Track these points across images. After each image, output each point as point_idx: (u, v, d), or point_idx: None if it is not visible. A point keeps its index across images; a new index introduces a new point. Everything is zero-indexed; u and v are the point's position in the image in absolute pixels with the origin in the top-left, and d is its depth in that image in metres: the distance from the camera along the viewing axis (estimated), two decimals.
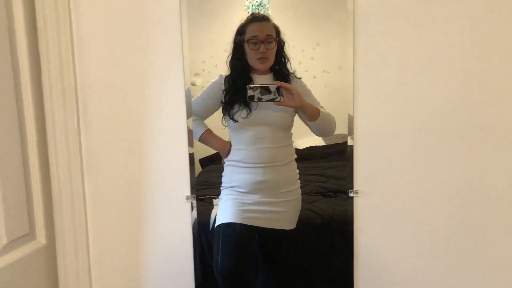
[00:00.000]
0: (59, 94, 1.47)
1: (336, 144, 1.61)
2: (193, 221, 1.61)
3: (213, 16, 1.60)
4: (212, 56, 1.60)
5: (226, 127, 1.57)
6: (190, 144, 1.58)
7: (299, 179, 1.60)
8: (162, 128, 1.58)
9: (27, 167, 1.39)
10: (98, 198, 1.62)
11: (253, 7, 1.56)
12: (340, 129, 1.55)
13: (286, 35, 1.53)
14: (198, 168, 1.61)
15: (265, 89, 1.43)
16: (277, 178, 1.54)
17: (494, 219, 1.55)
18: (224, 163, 1.60)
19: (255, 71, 1.54)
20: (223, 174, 1.61)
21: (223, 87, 1.55)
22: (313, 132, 1.54)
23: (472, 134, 1.52)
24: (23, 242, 1.38)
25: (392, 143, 1.55)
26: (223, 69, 1.55)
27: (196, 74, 1.57)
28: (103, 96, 1.56)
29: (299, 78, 1.56)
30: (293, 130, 1.57)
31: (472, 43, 1.48)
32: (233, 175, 1.57)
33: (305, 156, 1.63)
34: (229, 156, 1.58)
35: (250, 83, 1.51)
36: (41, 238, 1.47)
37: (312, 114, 1.49)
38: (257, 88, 1.43)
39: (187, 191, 1.60)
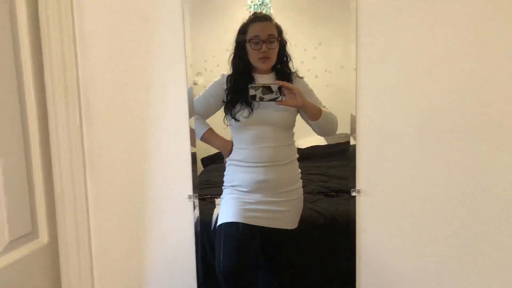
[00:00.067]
0: (62, 93, 1.47)
1: (338, 144, 1.61)
2: (195, 220, 1.61)
3: (215, 15, 1.60)
4: (214, 56, 1.60)
5: (228, 126, 1.57)
6: (192, 143, 1.58)
7: (301, 178, 1.60)
8: (164, 128, 1.58)
9: (29, 166, 1.39)
10: (100, 197, 1.62)
11: (255, 6, 1.56)
12: (342, 128, 1.55)
13: (288, 34, 1.53)
14: (200, 168, 1.61)
15: (267, 89, 1.43)
16: (279, 177, 1.54)
17: (496, 218, 1.55)
18: (226, 162, 1.61)
19: (257, 70, 1.54)
20: (225, 173, 1.61)
21: (225, 86, 1.55)
22: (315, 132, 1.54)
23: (475, 134, 1.51)
24: (26, 241, 1.39)
25: (394, 142, 1.54)
26: (225, 69, 1.56)
27: (198, 74, 1.57)
28: (105, 95, 1.57)
29: (301, 78, 1.56)
30: (295, 130, 1.57)
31: (475, 42, 1.47)
32: (235, 174, 1.57)
33: (307, 155, 1.63)
34: (231, 156, 1.58)
35: (252, 83, 1.51)
36: (44, 236, 1.47)
37: (314, 114, 1.49)
38: (259, 87, 1.43)
39: (189, 190, 1.60)
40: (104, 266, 1.66)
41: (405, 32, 1.49)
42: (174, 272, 1.65)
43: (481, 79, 1.49)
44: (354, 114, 1.53)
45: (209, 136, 1.59)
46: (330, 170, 1.70)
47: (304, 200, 1.61)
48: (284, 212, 1.56)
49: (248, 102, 1.50)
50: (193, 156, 1.59)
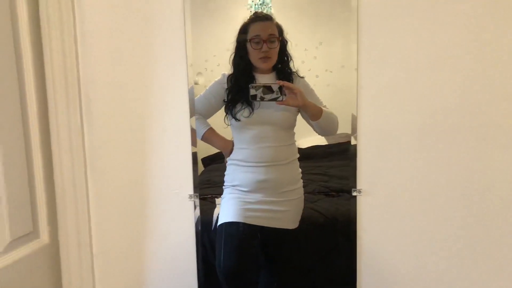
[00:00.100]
0: (63, 93, 1.47)
1: (339, 144, 1.61)
2: (196, 220, 1.61)
3: (216, 15, 1.60)
4: (214, 55, 1.60)
5: (229, 126, 1.57)
6: (193, 143, 1.58)
7: (301, 178, 1.60)
8: (165, 127, 1.58)
9: (30, 166, 1.40)
10: (101, 197, 1.62)
11: (256, 6, 1.56)
12: (343, 128, 1.55)
13: (288, 34, 1.53)
14: (200, 167, 1.62)
15: (268, 88, 1.43)
16: (280, 177, 1.54)
17: (497, 218, 1.55)
18: (226, 162, 1.61)
19: (258, 70, 1.54)
20: (225, 173, 1.61)
21: (225, 86, 1.55)
22: (316, 131, 1.54)
23: (476, 134, 1.51)
24: (27, 241, 1.39)
25: (395, 142, 1.54)
26: (226, 68, 1.56)
27: (199, 73, 1.57)
28: (106, 95, 1.57)
29: (302, 77, 1.56)
30: (295, 129, 1.57)
31: (476, 42, 1.47)
32: (235, 174, 1.57)
33: (307, 155, 1.63)
34: (231, 155, 1.58)
35: (252, 82, 1.51)
36: (45, 236, 1.47)
37: (314, 113, 1.49)
38: (259, 87, 1.43)
39: (190, 190, 1.60)
40: (105, 266, 1.66)
41: (406, 32, 1.49)
42: (175, 271, 1.65)
43: (482, 79, 1.48)
44: (355, 114, 1.53)
45: (210, 135, 1.59)
46: (331, 170, 1.70)
47: (305, 200, 1.61)
48: (284, 212, 1.56)
49: (249, 101, 1.50)
50: (194, 155, 1.59)
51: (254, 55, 1.51)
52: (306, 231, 1.61)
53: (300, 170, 1.60)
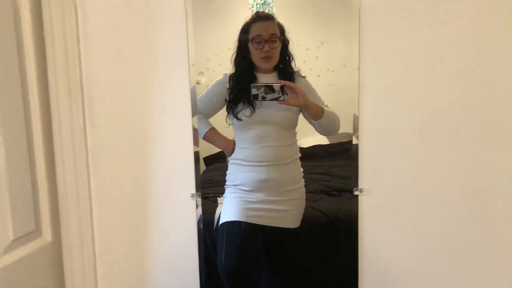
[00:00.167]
0: (65, 92, 1.48)
1: (341, 143, 1.60)
2: (198, 219, 1.61)
3: (217, 15, 1.60)
4: (216, 55, 1.61)
5: (230, 126, 1.57)
6: (195, 142, 1.58)
7: (303, 177, 1.60)
8: (167, 127, 1.59)
9: (33, 165, 1.40)
10: (104, 196, 1.63)
11: (258, 5, 1.56)
12: (345, 127, 1.55)
13: (290, 33, 1.53)
14: (202, 167, 1.62)
15: (269, 88, 1.43)
16: (281, 176, 1.54)
17: (499, 218, 1.54)
18: (228, 161, 1.61)
19: (260, 69, 1.54)
20: (227, 172, 1.62)
21: (227, 85, 1.56)
22: (317, 131, 1.54)
23: (477, 133, 1.51)
24: (29, 239, 1.39)
25: (397, 141, 1.54)
26: (228, 68, 1.56)
27: (201, 73, 1.57)
28: (108, 95, 1.57)
29: (304, 77, 1.56)
30: (297, 129, 1.57)
31: (478, 42, 1.47)
32: (237, 174, 1.58)
33: (309, 154, 1.63)
34: (233, 155, 1.59)
35: (254, 82, 1.51)
36: (47, 235, 1.48)
37: (316, 113, 1.49)
38: (261, 87, 1.43)
39: (192, 189, 1.61)
40: (108, 264, 1.67)
41: (407, 32, 1.49)
42: (177, 270, 1.66)
43: (484, 78, 1.48)
44: (356, 113, 1.53)
45: (212, 135, 1.59)
46: (333, 169, 1.70)
47: (306, 199, 1.61)
48: (286, 211, 1.57)
49: (251, 101, 1.50)
50: (196, 155, 1.59)
51: (255, 55, 1.51)
52: (308, 231, 1.62)
53: (301, 169, 1.60)
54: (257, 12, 1.54)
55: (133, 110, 1.58)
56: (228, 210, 1.56)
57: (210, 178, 1.65)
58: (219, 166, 1.64)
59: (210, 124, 1.59)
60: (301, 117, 1.55)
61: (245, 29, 1.51)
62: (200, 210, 1.61)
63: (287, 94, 1.43)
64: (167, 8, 1.52)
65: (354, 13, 1.49)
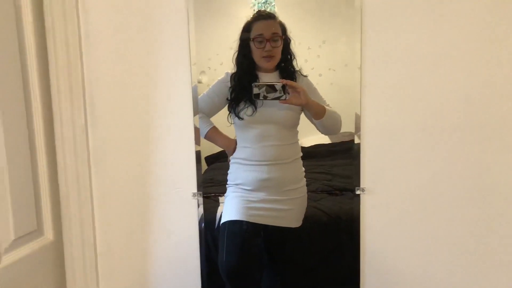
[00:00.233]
0: (67, 92, 1.48)
1: (342, 142, 1.60)
2: (199, 218, 1.62)
3: (219, 14, 1.60)
4: (218, 54, 1.60)
5: (232, 125, 1.57)
6: (197, 141, 1.58)
7: (304, 177, 1.60)
8: (169, 126, 1.59)
9: (35, 164, 1.40)
10: (105, 195, 1.63)
11: (259, 4, 1.56)
12: (346, 127, 1.54)
13: (292, 32, 1.53)
14: (204, 166, 1.62)
15: (271, 87, 1.43)
16: (283, 176, 1.54)
17: (501, 218, 1.54)
18: (229, 160, 1.61)
19: (261, 69, 1.54)
20: (228, 171, 1.61)
21: (229, 84, 1.55)
22: (319, 130, 1.54)
23: (480, 132, 1.50)
24: (31, 238, 1.40)
25: (399, 140, 1.54)
26: (229, 67, 1.56)
27: (202, 72, 1.57)
28: (110, 94, 1.57)
29: (305, 76, 1.56)
30: (299, 128, 1.56)
31: (480, 40, 1.46)
32: (238, 173, 1.57)
33: (310, 154, 1.63)
34: (234, 154, 1.59)
35: (256, 81, 1.50)
36: (49, 234, 1.48)
37: (317, 112, 1.49)
38: (262, 86, 1.43)
39: (194, 188, 1.61)
40: (109, 263, 1.67)
41: (409, 31, 1.48)
42: (178, 269, 1.66)
43: (486, 77, 1.48)
44: (358, 112, 1.53)
45: (213, 134, 1.59)
46: (334, 168, 1.70)
47: (308, 198, 1.61)
48: (287, 211, 1.56)
49: (252, 100, 1.50)
50: (198, 154, 1.59)
51: (257, 54, 1.51)
52: (309, 230, 1.61)
53: (303, 168, 1.60)
54: (259, 11, 1.53)
55: (135, 110, 1.58)
56: (230, 210, 1.56)
57: (212, 177, 1.65)
58: (221, 165, 1.64)
59: (211, 123, 1.59)
60: (302, 116, 1.55)
61: (247, 28, 1.51)
62: (201, 210, 1.61)
63: (288, 93, 1.43)
64: (168, 7, 1.52)
65: (356, 12, 1.48)
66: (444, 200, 1.55)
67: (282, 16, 1.52)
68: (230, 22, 1.60)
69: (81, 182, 1.55)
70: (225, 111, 1.56)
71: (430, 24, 1.47)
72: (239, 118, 1.52)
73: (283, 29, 1.52)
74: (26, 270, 1.36)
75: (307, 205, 1.61)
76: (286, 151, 1.54)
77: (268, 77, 1.53)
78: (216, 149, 1.63)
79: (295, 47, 1.54)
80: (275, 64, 1.53)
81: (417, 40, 1.48)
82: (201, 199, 1.61)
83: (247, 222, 1.52)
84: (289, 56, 1.55)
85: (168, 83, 1.56)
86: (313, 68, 1.57)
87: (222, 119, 1.57)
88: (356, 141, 1.55)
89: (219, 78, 1.57)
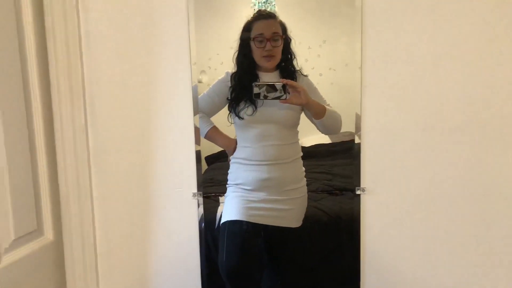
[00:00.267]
0: (67, 92, 1.48)
1: (343, 142, 1.60)
2: (200, 218, 1.61)
3: (219, 13, 1.60)
4: (218, 54, 1.60)
5: (232, 124, 1.57)
6: (197, 141, 1.58)
7: (305, 176, 1.60)
8: (169, 126, 1.59)
9: (35, 164, 1.40)
10: (105, 195, 1.63)
11: (260, 4, 1.55)
12: (347, 126, 1.54)
13: (292, 32, 1.52)
14: (204, 166, 1.62)
15: (271, 87, 1.43)
16: (283, 175, 1.54)
17: (503, 217, 1.54)
18: (230, 160, 1.61)
19: (261, 68, 1.54)
20: (229, 171, 1.61)
21: (229, 84, 1.55)
22: (319, 130, 1.54)
23: (481, 132, 1.50)
24: (31, 238, 1.40)
25: (399, 140, 1.54)
26: (230, 67, 1.55)
27: (203, 72, 1.57)
28: (110, 94, 1.57)
29: (306, 76, 1.56)
30: (299, 128, 1.56)
31: (481, 40, 1.46)
32: (238, 173, 1.57)
33: (311, 154, 1.63)
34: (235, 154, 1.58)
35: (256, 81, 1.50)
36: (49, 234, 1.48)
37: (318, 112, 1.49)
38: (263, 85, 1.43)
39: (194, 188, 1.61)
40: (109, 264, 1.67)
41: (410, 30, 1.48)
42: (179, 269, 1.66)
43: (487, 77, 1.48)
44: (358, 112, 1.53)
45: (213, 134, 1.59)
46: (335, 168, 1.69)
47: (308, 198, 1.61)
48: (288, 211, 1.56)
49: (252, 100, 1.49)
50: (198, 154, 1.59)
51: (257, 54, 1.51)
52: (310, 230, 1.61)
53: (303, 168, 1.60)
54: (259, 11, 1.53)
55: (135, 110, 1.58)
56: (230, 209, 1.56)
57: (212, 177, 1.65)
58: (221, 165, 1.63)
59: (211, 123, 1.58)
60: (303, 116, 1.55)
61: (247, 28, 1.51)
62: (201, 209, 1.61)
63: (289, 93, 1.42)
64: (169, 7, 1.52)
65: (356, 12, 1.48)
66: (444, 200, 1.55)
67: (282, 16, 1.52)
68: (231, 21, 1.60)
69: (81, 182, 1.55)
70: (225, 110, 1.56)
71: (430, 24, 1.47)
72: (239, 117, 1.52)
73: (284, 28, 1.52)
74: (26, 270, 1.36)
75: (307, 205, 1.61)
76: (286, 151, 1.54)
77: (268, 77, 1.53)
78: (216, 149, 1.63)
79: (295, 46, 1.54)
80: (275, 64, 1.53)
81: (417, 40, 1.48)
82: (201, 199, 1.60)
83: (247, 222, 1.52)
84: (289, 56, 1.55)
85: (168, 83, 1.56)
86: (313, 68, 1.57)
87: (222, 119, 1.56)
88: (357, 141, 1.55)
89: (219, 77, 1.57)
